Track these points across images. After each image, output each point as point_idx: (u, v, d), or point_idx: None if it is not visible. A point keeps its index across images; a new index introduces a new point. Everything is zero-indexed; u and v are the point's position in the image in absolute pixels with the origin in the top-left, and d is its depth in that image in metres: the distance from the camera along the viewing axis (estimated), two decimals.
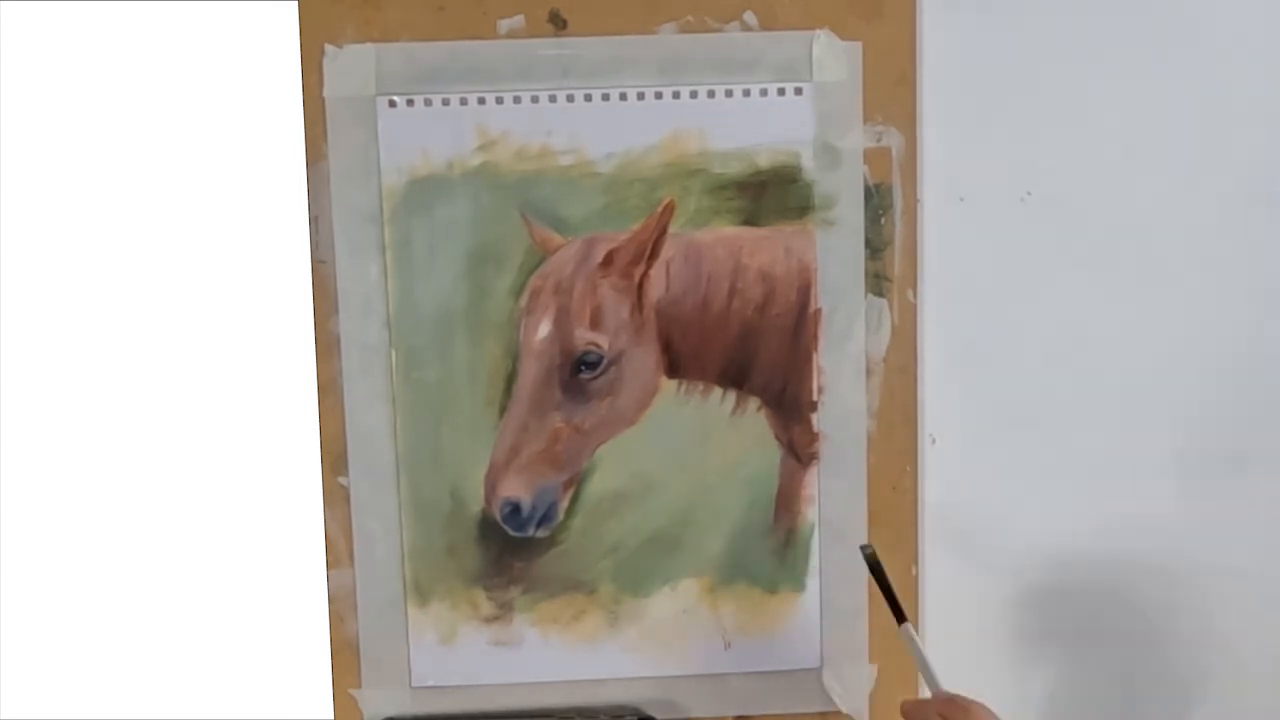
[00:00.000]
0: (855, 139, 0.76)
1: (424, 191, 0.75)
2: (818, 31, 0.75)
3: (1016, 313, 0.78)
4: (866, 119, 0.76)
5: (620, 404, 0.76)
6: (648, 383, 0.77)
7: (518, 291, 0.76)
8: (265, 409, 0.76)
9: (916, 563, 0.78)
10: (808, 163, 0.76)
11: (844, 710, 0.79)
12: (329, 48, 0.74)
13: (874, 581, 0.71)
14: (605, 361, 0.76)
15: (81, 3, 0.73)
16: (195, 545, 0.76)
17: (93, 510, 0.76)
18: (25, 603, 0.76)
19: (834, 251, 0.76)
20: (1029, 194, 0.77)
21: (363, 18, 0.74)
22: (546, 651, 0.78)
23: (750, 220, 0.76)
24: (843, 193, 0.76)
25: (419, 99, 0.74)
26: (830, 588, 0.78)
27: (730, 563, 0.78)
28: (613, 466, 0.77)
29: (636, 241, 0.75)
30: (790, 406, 0.77)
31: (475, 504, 0.77)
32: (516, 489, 0.76)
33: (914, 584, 0.78)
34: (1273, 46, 0.77)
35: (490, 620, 0.78)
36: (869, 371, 0.77)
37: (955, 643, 0.80)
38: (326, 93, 0.74)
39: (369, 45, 0.74)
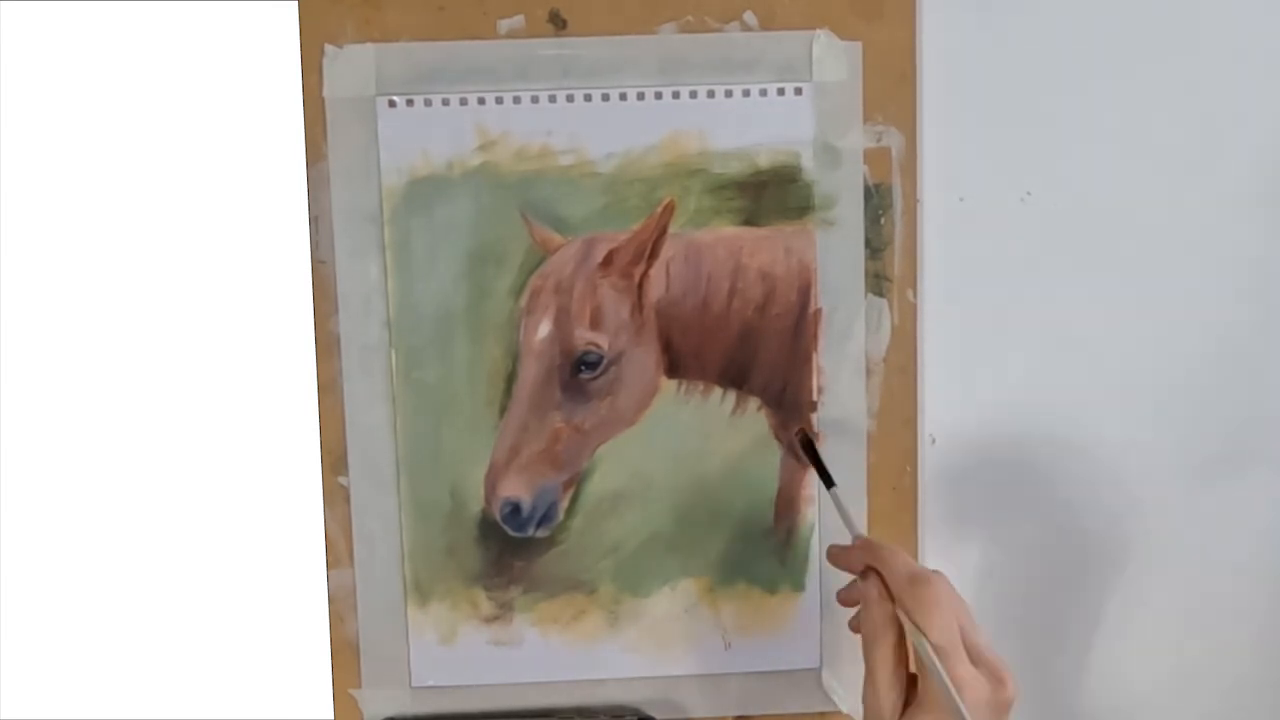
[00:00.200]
0: (855, 139, 0.76)
1: (424, 191, 0.75)
2: (818, 31, 0.75)
3: (1016, 313, 0.78)
4: (866, 119, 0.76)
5: (620, 404, 0.77)
6: (648, 383, 0.77)
7: (518, 291, 0.76)
8: (265, 409, 0.76)
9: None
10: (808, 163, 0.76)
11: (844, 710, 0.79)
12: (329, 48, 0.74)
13: (805, 456, 0.74)
14: (605, 361, 0.76)
15: (81, 3, 0.73)
16: (195, 545, 0.76)
17: (92, 510, 0.76)
18: (24, 602, 0.76)
19: (834, 251, 0.76)
20: (1029, 194, 0.77)
21: (363, 18, 0.74)
22: (546, 651, 0.78)
23: (750, 220, 0.76)
24: (843, 193, 0.76)
25: (419, 99, 0.74)
26: (830, 588, 0.78)
27: (730, 563, 0.78)
28: (613, 466, 0.77)
29: (636, 241, 0.76)
30: (790, 406, 0.77)
31: (475, 504, 0.77)
32: (516, 489, 0.76)
33: None
34: (1273, 46, 0.77)
35: (490, 620, 0.78)
36: (869, 371, 0.77)
37: None
38: (326, 93, 0.74)
39: (369, 45, 0.74)
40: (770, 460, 0.77)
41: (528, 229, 0.75)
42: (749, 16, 0.75)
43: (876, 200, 0.76)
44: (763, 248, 0.76)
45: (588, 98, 0.75)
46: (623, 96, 0.75)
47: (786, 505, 0.78)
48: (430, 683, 0.78)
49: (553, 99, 0.75)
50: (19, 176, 0.74)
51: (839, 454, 0.77)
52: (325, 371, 0.76)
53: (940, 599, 0.62)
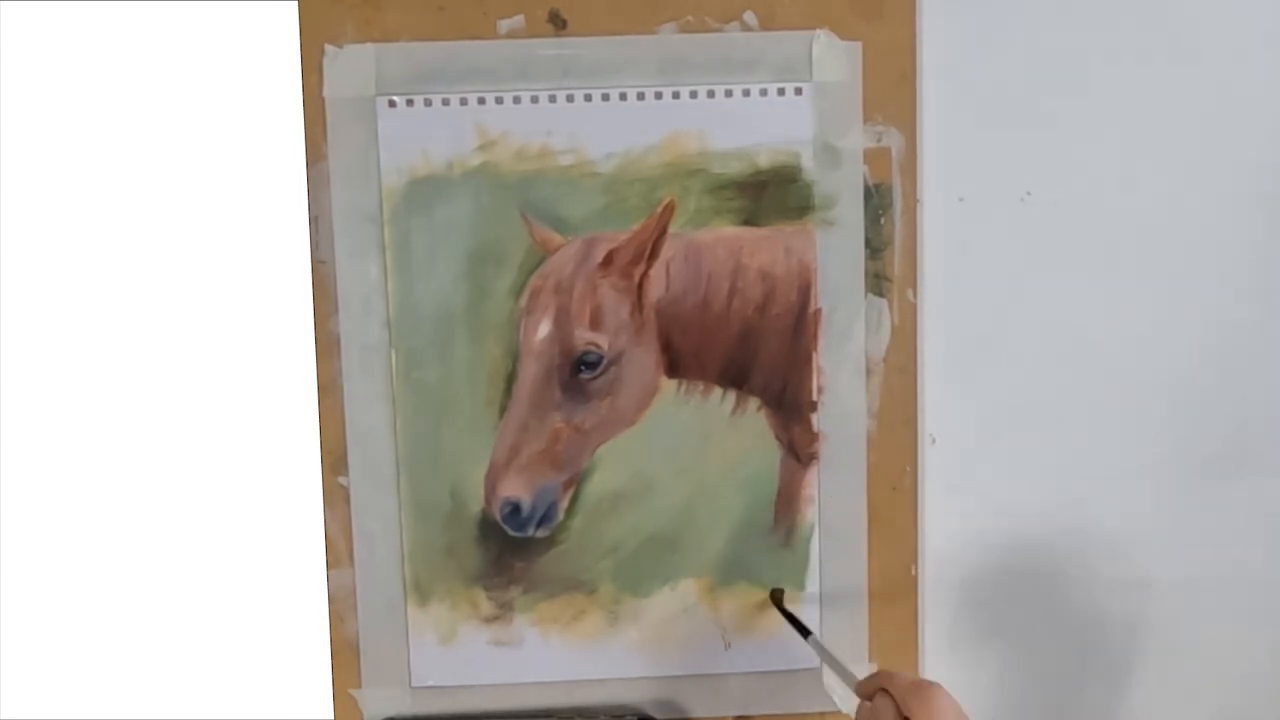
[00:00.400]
0: (855, 139, 0.76)
1: (424, 191, 0.75)
2: (818, 31, 0.75)
3: (1016, 313, 0.78)
4: (866, 119, 0.76)
5: (620, 404, 0.76)
6: (648, 383, 0.77)
7: (518, 291, 0.76)
8: (265, 409, 0.76)
9: (916, 563, 0.78)
10: (808, 163, 0.76)
11: (844, 710, 0.79)
12: (329, 48, 0.74)
13: (781, 614, 0.77)
14: (605, 361, 0.76)
15: (82, 3, 0.73)
16: (195, 545, 0.76)
17: (93, 510, 0.76)
18: (25, 602, 0.76)
19: (834, 251, 0.76)
20: (1029, 194, 0.77)
21: (363, 18, 0.74)
22: (546, 651, 0.78)
23: (750, 220, 0.76)
24: (843, 193, 0.76)
25: (419, 99, 0.74)
26: (830, 588, 0.78)
27: (730, 563, 0.78)
28: (613, 466, 0.77)
29: (636, 241, 0.75)
30: (790, 406, 0.77)
31: (475, 504, 0.77)
32: (516, 489, 0.76)
33: (914, 584, 0.78)
34: (1273, 46, 0.77)
35: (490, 620, 0.78)
36: (869, 371, 0.77)
37: (955, 642, 0.80)
38: (326, 93, 0.74)
39: (369, 45, 0.74)
40: (770, 460, 0.77)
41: (528, 229, 0.75)
42: (749, 16, 0.75)
43: (876, 200, 0.76)
44: (763, 248, 0.76)
45: (588, 98, 0.75)
46: (623, 96, 0.75)
47: (786, 505, 0.78)
48: (430, 683, 0.78)
49: (553, 99, 0.75)
50: (20, 176, 0.74)
51: (839, 454, 0.77)
52: (325, 371, 0.76)
53: (946, 706, 0.64)
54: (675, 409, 0.77)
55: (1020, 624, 0.80)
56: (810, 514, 0.78)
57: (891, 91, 0.76)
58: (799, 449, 0.77)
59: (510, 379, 0.76)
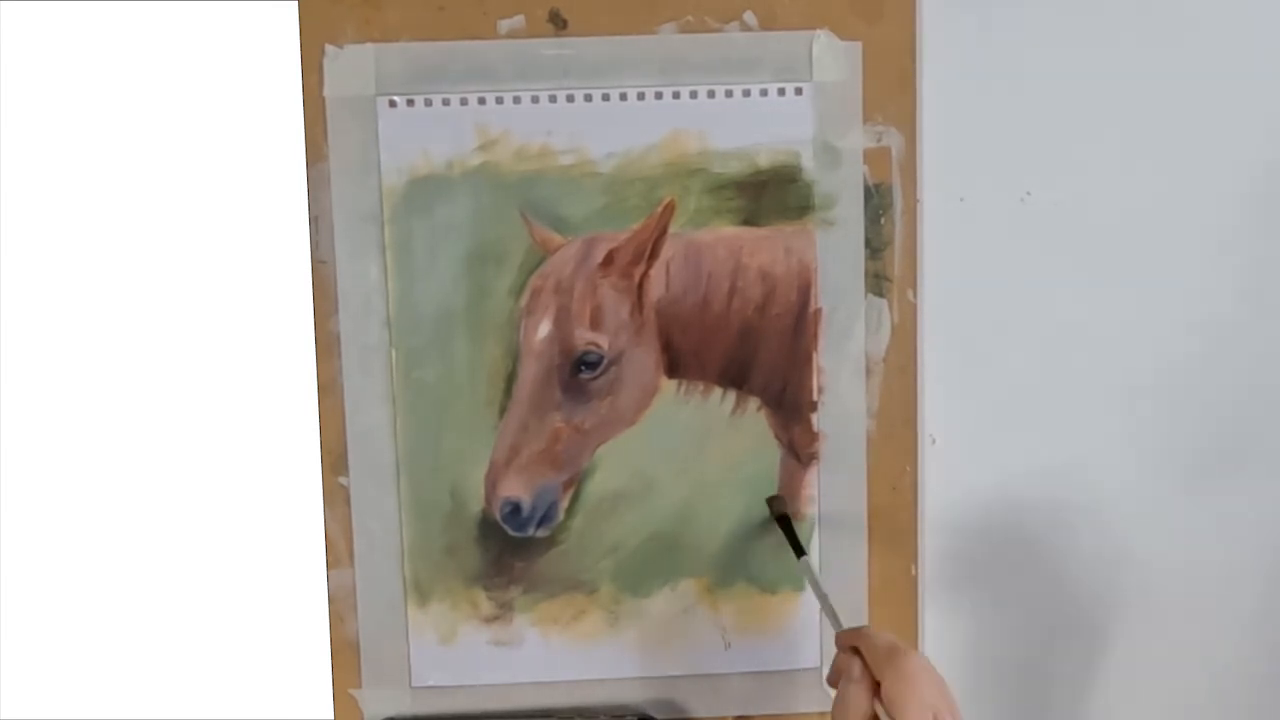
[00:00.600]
0: (855, 139, 0.76)
1: (424, 191, 0.75)
2: (818, 31, 0.75)
3: (1016, 313, 0.78)
4: (866, 119, 0.76)
5: (620, 404, 0.76)
6: (648, 383, 0.77)
7: (518, 291, 0.76)
8: (265, 409, 0.76)
9: (916, 563, 0.78)
10: (808, 163, 0.76)
11: None
12: (329, 48, 0.74)
13: (778, 525, 0.75)
14: (605, 361, 0.76)
15: (81, 3, 0.73)
16: (195, 545, 0.76)
17: (92, 510, 0.76)
18: (25, 602, 0.76)
19: (834, 251, 0.76)
20: (1029, 194, 0.77)
21: (363, 18, 0.74)
22: (546, 651, 0.78)
23: (750, 220, 0.76)
24: (843, 193, 0.76)
25: (419, 99, 0.74)
26: (830, 587, 0.78)
27: (730, 563, 0.78)
28: (613, 466, 0.77)
29: (636, 241, 0.75)
30: (790, 406, 0.77)
31: (475, 504, 0.77)
32: (516, 489, 0.76)
33: (913, 584, 0.78)
34: (1273, 46, 0.77)
35: (490, 620, 0.78)
36: (869, 371, 0.77)
37: (955, 642, 0.80)
38: (326, 93, 0.74)
39: (369, 45, 0.74)
40: (770, 460, 0.77)
41: (528, 229, 0.75)
42: (749, 16, 0.75)
43: (876, 200, 0.76)
44: (763, 248, 0.76)
45: (588, 98, 0.75)
46: (623, 96, 0.75)
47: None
48: (430, 683, 0.78)
49: (553, 99, 0.75)
50: (20, 176, 0.74)
51: (839, 454, 0.77)
52: (325, 371, 0.76)
53: (918, 672, 0.62)
54: (675, 409, 0.77)
55: (1020, 624, 0.80)
56: (810, 514, 0.78)
57: (891, 91, 0.76)
58: (799, 449, 0.77)
59: (510, 379, 0.76)
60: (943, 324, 0.77)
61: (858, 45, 0.75)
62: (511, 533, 0.77)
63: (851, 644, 0.65)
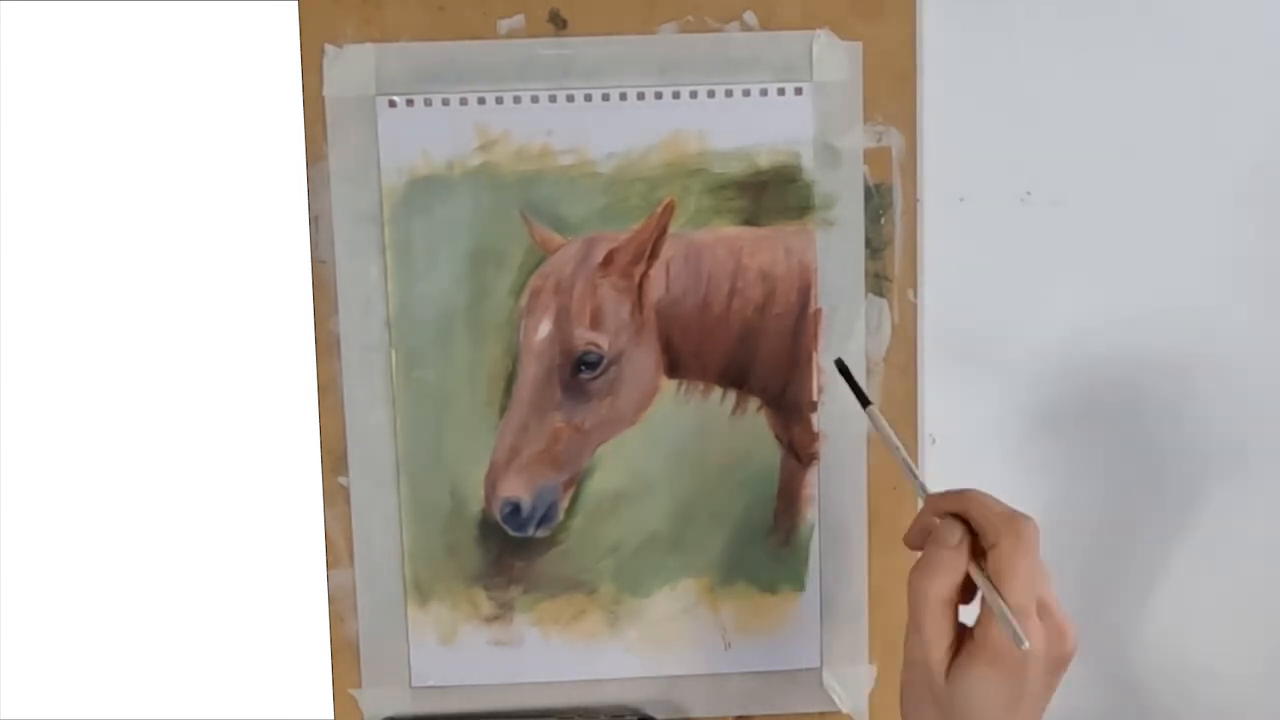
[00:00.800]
0: (855, 139, 0.76)
1: (424, 191, 0.75)
2: (818, 31, 0.75)
3: (1017, 313, 0.78)
4: (866, 119, 0.76)
5: (620, 404, 0.77)
6: (648, 383, 0.77)
7: (518, 291, 0.76)
8: (265, 409, 0.76)
9: None
10: (808, 163, 0.76)
11: (844, 710, 0.79)
12: (329, 48, 0.74)
13: (844, 380, 0.71)
14: (605, 361, 0.76)
15: (81, 3, 0.73)
16: (195, 545, 0.76)
17: (92, 510, 0.76)
18: (24, 602, 0.76)
19: (834, 251, 0.76)
20: (1029, 194, 0.77)
21: (363, 18, 0.74)
22: (546, 651, 0.78)
23: (750, 220, 0.76)
24: (843, 193, 0.76)
25: (419, 99, 0.74)
26: (830, 588, 0.78)
27: (730, 563, 0.78)
28: (613, 466, 0.77)
29: (636, 241, 0.76)
30: (790, 406, 0.77)
31: (475, 504, 0.77)
32: (516, 489, 0.76)
33: None
34: (1273, 46, 0.77)
35: (490, 620, 0.78)
36: (869, 371, 0.77)
37: None
38: (326, 93, 0.74)
39: (369, 45, 0.74)
40: (770, 460, 0.77)
41: (528, 229, 0.75)
42: (749, 16, 0.75)
43: (876, 200, 0.76)
44: (763, 248, 0.76)
45: (588, 98, 0.75)
46: (623, 96, 0.75)
47: (786, 505, 0.78)
48: (430, 683, 0.78)
49: (553, 99, 0.75)
50: (19, 176, 0.74)
51: (839, 454, 0.77)
52: (325, 371, 0.76)
53: (1037, 541, 0.59)
54: (675, 409, 0.77)
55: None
56: (810, 514, 0.78)
57: (891, 91, 0.76)
58: (799, 449, 0.77)
59: (510, 379, 0.76)
60: (943, 324, 0.78)
61: (858, 45, 0.75)
62: (511, 533, 0.77)
63: (959, 508, 0.62)
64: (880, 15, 0.75)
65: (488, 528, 0.77)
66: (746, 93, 0.75)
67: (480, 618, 0.78)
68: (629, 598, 0.78)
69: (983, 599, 0.61)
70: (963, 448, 0.78)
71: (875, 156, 0.76)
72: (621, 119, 0.75)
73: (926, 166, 0.76)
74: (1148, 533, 0.80)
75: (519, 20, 0.74)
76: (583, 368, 0.76)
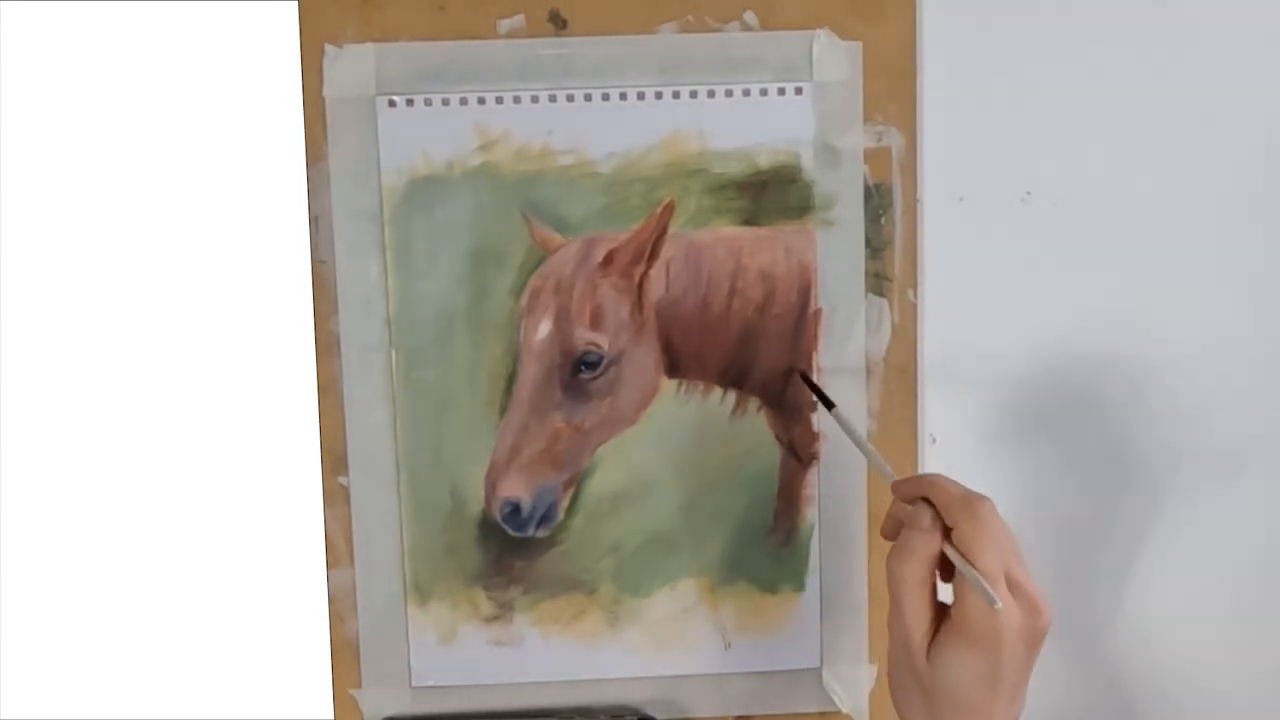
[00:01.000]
0: (855, 139, 0.76)
1: (424, 191, 0.75)
2: (818, 31, 0.75)
3: (1017, 313, 0.78)
4: (866, 119, 0.76)
5: (620, 404, 0.77)
6: (648, 383, 0.77)
7: (518, 291, 0.76)
8: (265, 409, 0.76)
9: None
10: (808, 163, 0.76)
11: (844, 710, 0.79)
12: (329, 48, 0.74)
13: (803, 382, 0.74)
14: (605, 361, 0.76)
15: (81, 3, 0.73)
16: (194, 545, 0.76)
17: (92, 510, 0.76)
18: (24, 602, 0.76)
19: (834, 251, 0.76)
20: (1029, 194, 0.77)
21: (363, 18, 0.74)
22: (547, 651, 0.78)
23: (750, 220, 0.76)
24: (843, 193, 0.76)
25: (419, 99, 0.74)
26: (830, 588, 0.78)
27: (730, 563, 0.78)
28: (613, 466, 0.77)
29: (636, 241, 0.76)
30: (790, 406, 0.77)
31: (475, 504, 0.77)
32: (516, 489, 0.76)
33: None
34: (1273, 46, 0.77)
35: (490, 620, 0.78)
36: (869, 371, 0.77)
37: None
38: (326, 93, 0.74)
39: (369, 45, 0.74)
40: (770, 460, 0.77)
41: (528, 229, 0.75)
42: (749, 16, 0.75)
43: (876, 200, 0.76)
44: (763, 248, 0.76)
45: (588, 98, 0.75)
46: (623, 96, 0.75)
47: (786, 505, 0.78)
48: (430, 683, 0.78)
49: (553, 99, 0.75)
50: (19, 176, 0.74)
51: (839, 454, 0.77)
52: (325, 371, 0.76)
53: (994, 518, 0.62)
54: (675, 409, 0.77)
55: None
56: (810, 514, 0.78)
57: (891, 91, 0.76)
58: (799, 449, 0.77)
59: (510, 379, 0.76)
60: (943, 324, 0.78)
61: (858, 45, 0.75)
62: (511, 533, 0.77)
63: (920, 493, 0.64)
64: (880, 15, 0.75)
65: (488, 528, 0.77)
66: (746, 93, 0.75)
67: (480, 618, 0.78)
68: (629, 598, 0.78)
69: (957, 573, 0.62)
70: (963, 447, 0.78)
71: (875, 156, 0.76)
72: (621, 119, 0.75)
73: (926, 166, 0.76)
74: (1149, 531, 0.80)
75: (519, 20, 0.74)
76: (583, 368, 0.76)
